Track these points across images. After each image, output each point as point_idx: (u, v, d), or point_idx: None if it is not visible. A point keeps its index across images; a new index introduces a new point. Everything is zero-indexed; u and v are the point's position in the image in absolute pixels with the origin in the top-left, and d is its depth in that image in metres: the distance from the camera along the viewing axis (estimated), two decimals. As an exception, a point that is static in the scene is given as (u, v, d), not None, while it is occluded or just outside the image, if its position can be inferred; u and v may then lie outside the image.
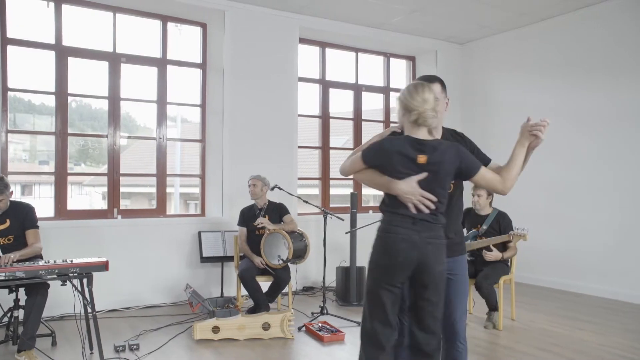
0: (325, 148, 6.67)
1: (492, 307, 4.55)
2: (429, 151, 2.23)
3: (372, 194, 7.84)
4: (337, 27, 6.37)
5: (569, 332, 4.37)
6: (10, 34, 4.90)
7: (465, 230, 4.85)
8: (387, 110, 7.26)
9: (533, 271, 6.36)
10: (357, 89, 6.98)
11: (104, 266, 3.39)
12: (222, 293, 5.30)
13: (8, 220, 3.68)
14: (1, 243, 3.66)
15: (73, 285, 3.34)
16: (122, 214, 5.33)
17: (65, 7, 5.15)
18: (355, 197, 5.52)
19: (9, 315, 3.77)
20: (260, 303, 4.55)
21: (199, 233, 5.32)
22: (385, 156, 2.26)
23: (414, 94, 2.24)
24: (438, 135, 2.46)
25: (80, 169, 7.53)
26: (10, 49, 4.92)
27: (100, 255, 4.60)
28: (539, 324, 4.61)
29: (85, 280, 3.37)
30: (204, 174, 5.88)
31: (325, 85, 6.71)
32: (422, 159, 2.22)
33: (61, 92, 5.14)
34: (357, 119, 6.94)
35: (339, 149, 7.02)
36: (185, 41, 5.93)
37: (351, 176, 2.47)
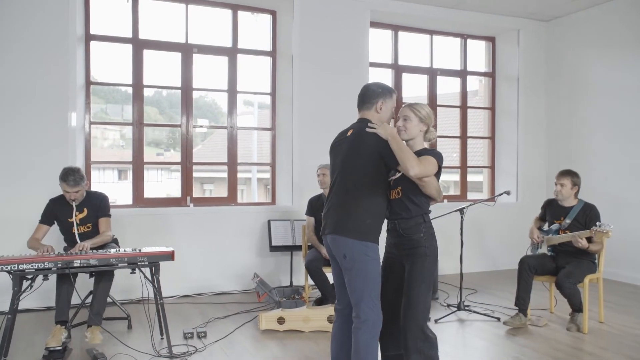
0: (397, 135, 6.45)
1: (576, 308, 4.17)
2: None
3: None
4: (410, 9, 6.10)
5: (667, 340, 3.92)
6: (93, 30, 5.14)
7: (547, 224, 4.50)
8: (464, 94, 6.88)
9: (627, 268, 5.79)
10: (432, 73, 6.67)
11: (169, 256, 3.49)
12: (291, 282, 5.31)
13: (85, 210, 3.88)
14: (81, 231, 3.86)
15: (142, 272, 3.47)
16: (194, 202, 5.48)
17: (142, 2, 5.32)
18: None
19: (91, 298, 3.98)
20: (327, 294, 4.49)
21: (269, 222, 5.35)
22: None
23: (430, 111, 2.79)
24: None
25: (169, 155, 7.91)
26: (93, 44, 5.16)
27: (174, 242, 4.78)
28: (631, 329, 4.17)
29: (153, 269, 3.49)
30: (274, 162, 5.90)
31: (398, 70, 6.47)
32: None
33: (137, 84, 5.33)
34: (432, 104, 6.64)
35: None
36: (255, 29, 5.94)
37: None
